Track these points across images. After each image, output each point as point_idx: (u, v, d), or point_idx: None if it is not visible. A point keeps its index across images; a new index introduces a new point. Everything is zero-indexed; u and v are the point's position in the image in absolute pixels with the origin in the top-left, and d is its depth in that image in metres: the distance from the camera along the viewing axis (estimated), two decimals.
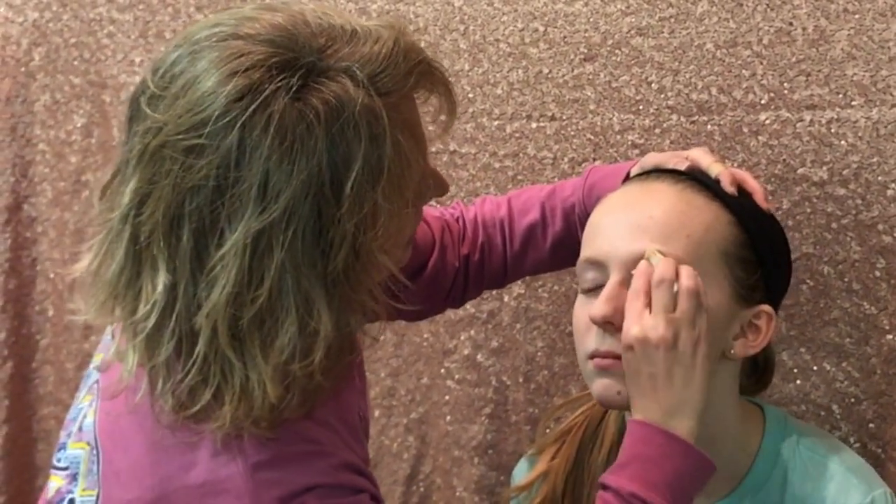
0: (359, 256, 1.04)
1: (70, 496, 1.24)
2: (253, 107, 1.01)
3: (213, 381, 1.05)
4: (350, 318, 1.07)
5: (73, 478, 1.24)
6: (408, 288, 1.39)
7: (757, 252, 1.30)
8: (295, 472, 1.10)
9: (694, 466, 1.19)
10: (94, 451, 1.21)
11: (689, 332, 1.20)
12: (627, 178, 1.40)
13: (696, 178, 1.32)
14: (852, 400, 1.56)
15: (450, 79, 1.17)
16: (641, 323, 1.20)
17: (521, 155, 1.74)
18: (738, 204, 1.31)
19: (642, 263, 1.23)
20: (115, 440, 1.18)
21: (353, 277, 1.05)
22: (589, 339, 1.28)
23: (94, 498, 1.20)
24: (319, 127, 1.02)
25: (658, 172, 1.35)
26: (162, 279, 1.04)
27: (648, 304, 1.21)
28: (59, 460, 1.28)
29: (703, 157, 1.35)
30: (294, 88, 1.02)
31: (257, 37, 1.05)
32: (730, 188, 1.31)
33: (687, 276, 1.22)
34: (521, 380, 1.79)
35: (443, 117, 1.18)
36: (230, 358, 1.04)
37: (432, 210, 1.51)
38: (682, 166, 1.35)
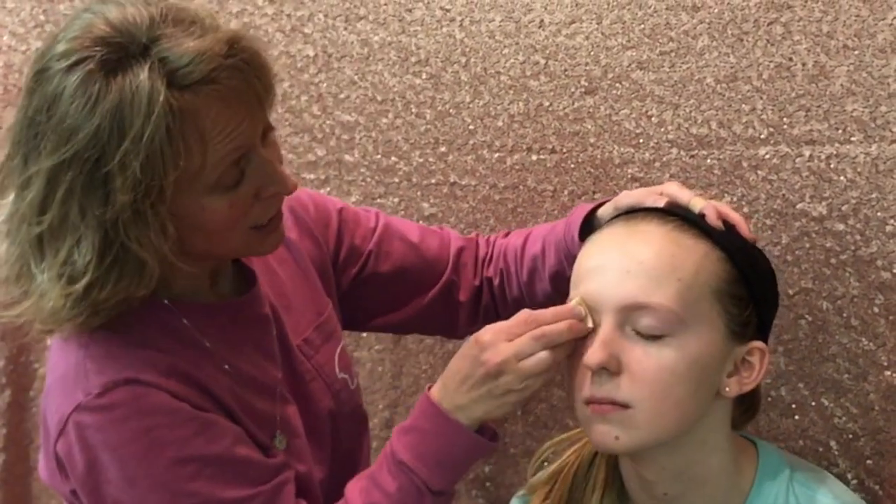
0: (140, 215, 1.23)
1: None
2: (66, 64, 1.23)
3: (22, 282, 1.30)
4: (123, 266, 1.25)
5: None
6: (415, 298, 1.62)
7: (748, 286, 1.30)
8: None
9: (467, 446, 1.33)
10: None
11: (515, 380, 1.29)
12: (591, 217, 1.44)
13: (682, 217, 1.32)
14: (850, 436, 1.56)
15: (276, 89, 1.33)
16: (512, 342, 1.29)
17: (521, 187, 1.74)
18: (727, 239, 1.30)
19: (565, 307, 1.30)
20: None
21: (133, 231, 1.23)
22: (585, 385, 1.27)
23: None
24: (109, 95, 1.21)
25: (645, 212, 1.35)
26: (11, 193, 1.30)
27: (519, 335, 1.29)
28: None
29: (680, 193, 1.35)
30: (107, 60, 1.22)
31: (107, 14, 1.25)
32: (716, 223, 1.31)
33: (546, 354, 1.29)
34: (519, 412, 1.78)
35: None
36: (29, 263, 1.28)
37: (452, 233, 1.65)
38: (661, 203, 1.34)
